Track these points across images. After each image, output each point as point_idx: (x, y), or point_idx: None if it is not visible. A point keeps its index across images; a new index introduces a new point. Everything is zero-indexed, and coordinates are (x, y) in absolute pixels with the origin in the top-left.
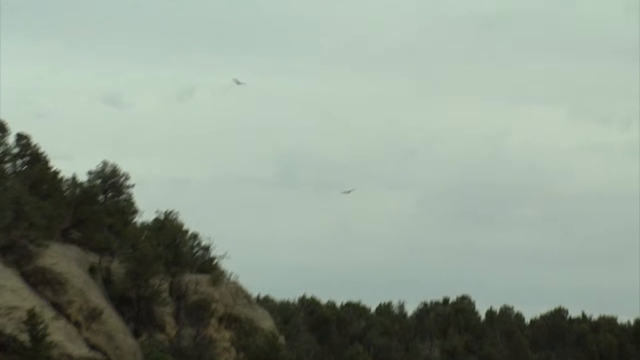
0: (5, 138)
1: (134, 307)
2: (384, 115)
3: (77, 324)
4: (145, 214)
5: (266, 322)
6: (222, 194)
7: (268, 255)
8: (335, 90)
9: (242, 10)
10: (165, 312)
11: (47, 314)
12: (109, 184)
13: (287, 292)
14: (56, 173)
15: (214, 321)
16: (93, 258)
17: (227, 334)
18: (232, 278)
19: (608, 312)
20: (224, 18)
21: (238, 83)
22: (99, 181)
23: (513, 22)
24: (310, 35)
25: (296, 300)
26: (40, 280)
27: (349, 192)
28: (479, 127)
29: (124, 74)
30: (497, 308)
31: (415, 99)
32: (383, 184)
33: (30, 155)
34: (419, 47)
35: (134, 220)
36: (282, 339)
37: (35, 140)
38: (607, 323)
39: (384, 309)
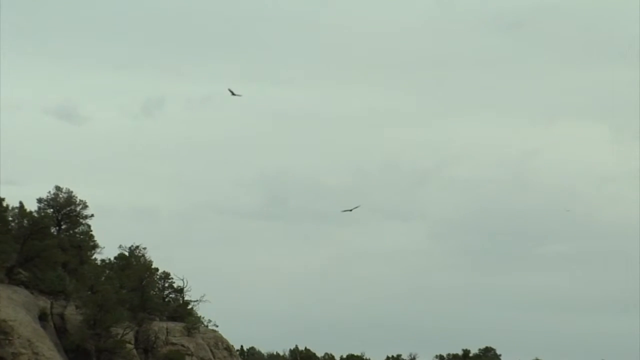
0: None
1: None
2: (389, 133)
3: None
4: (107, 249)
5: None
6: (198, 227)
7: (253, 299)
8: (331, 104)
9: (221, 13)
10: None
11: None
12: (63, 214)
13: (276, 343)
14: None
15: None
16: (44, 302)
17: None
18: (211, 326)
19: None
20: (200, 21)
21: (233, 94)
22: (50, 211)
23: (542, 20)
24: (301, 41)
25: (287, 353)
26: None
27: (351, 210)
28: (501, 147)
29: (80, 82)
30: None
31: (425, 115)
32: (387, 215)
33: None
34: (429, 54)
35: (93, 257)
36: None
37: None
38: None
39: None
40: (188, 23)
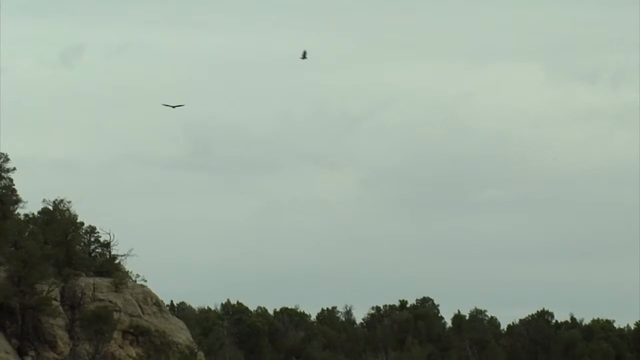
0: None
1: (18, 320)
2: (316, 78)
3: None
4: (30, 204)
5: (182, 335)
6: (121, 179)
7: (181, 253)
8: (255, 48)
9: None
10: (57, 325)
11: None
12: None
13: (206, 297)
14: None
15: (116, 335)
16: None
17: (133, 351)
18: (139, 281)
19: (602, 315)
20: None
21: (174, 107)
22: None
23: None
24: None
25: (218, 307)
26: None
27: (173, 107)
28: (433, 90)
29: None
30: (465, 312)
31: (354, 58)
32: (317, 162)
33: None
34: None
35: (16, 212)
36: (201, 355)
37: None
38: (602, 328)
39: (327, 317)
40: None
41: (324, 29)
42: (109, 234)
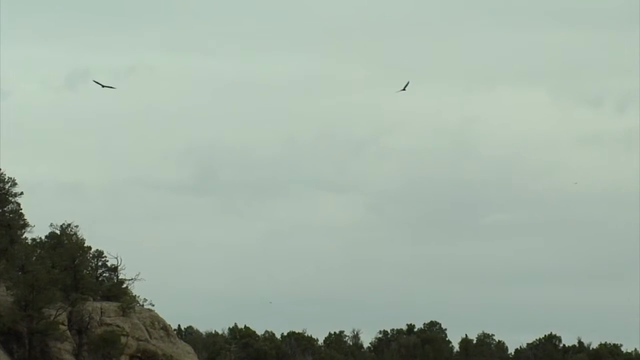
0: None
1: (25, 344)
2: (323, 102)
3: None
4: (37, 228)
5: (189, 359)
6: (127, 203)
7: (188, 277)
8: (262, 71)
9: None
10: (64, 350)
11: None
12: None
13: (214, 321)
14: None
15: (124, 359)
16: None
17: None
18: (146, 306)
19: (610, 339)
20: None
21: (102, 86)
22: None
23: None
24: (229, 8)
25: (226, 332)
26: None
27: (103, 86)
28: (439, 114)
29: (3, 54)
30: (473, 336)
31: (360, 82)
32: (323, 186)
33: None
34: (363, 20)
35: (23, 236)
36: None
37: None
38: (609, 352)
39: (335, 340)
40: None
41: (329, 52)
42: (116, 258)
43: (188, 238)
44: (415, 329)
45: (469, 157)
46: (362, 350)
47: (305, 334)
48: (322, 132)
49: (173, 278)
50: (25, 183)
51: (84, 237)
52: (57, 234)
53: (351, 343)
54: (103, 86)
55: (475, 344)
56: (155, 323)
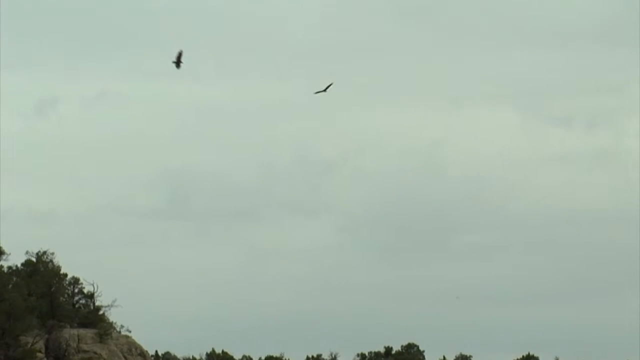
0: None
1: None
2: (293, 125)
3: None
4: (12, 256)
5: None
6: (101, 229)
7: (164, 302)
8: (233, 96)
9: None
10: None
11: None
12: None
13: (191, 346)
14: None
15: None
16: None
17: None
18: (123, 332)
19: (588, 359)
20: (91, 14)
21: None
22: None
23: (446, 5)
24: (199, 33)
25: (203, 357)
26: None
27: (325, 90)
28: (409, 135)
29: None
30: (451, 358)
31: (327, 105)
32: (295, 210)
33: None
34: (328, 42)
35: None
36: None
37: None
38: None
39: None
40: (77, 18)
41: (298, 75)
42: (92, 284)
43: (164, 264)
44: (393, 351)
45: (438, 178)
46: None
47: (283, 358)
48: (294, 156)
49: (149, 304)
50: None
51: (60, 265)
52: (33, 261)
53: None
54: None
55: None
56: (133, 349)
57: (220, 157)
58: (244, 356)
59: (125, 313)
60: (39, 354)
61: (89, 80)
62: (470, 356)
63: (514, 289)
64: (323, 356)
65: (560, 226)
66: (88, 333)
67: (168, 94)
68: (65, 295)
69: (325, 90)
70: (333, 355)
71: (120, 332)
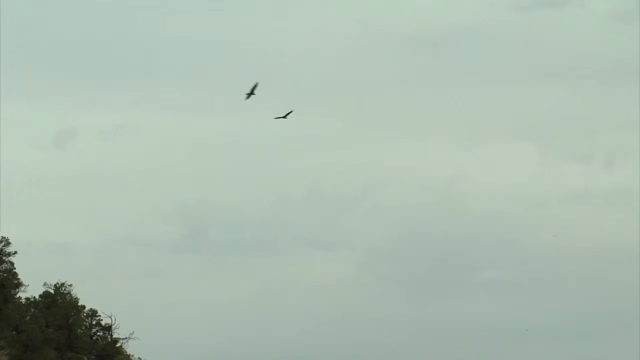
0: None
1: None
2: (311, 159)
3: None
4: (30, 287)
5: None
6: (117, 262)
7: (179, 335)
8: (250, 130)
9: (130, 36)
10: None
11: None
12: None
13: None
14: None
15: None
16: None
17: None
18: None
19: None
20: (109, 47)
21: (250, 93)
22: None
23: (463, 41)
24: (216, 66)
25: None
26: None
27: (284, 116)
28: (427, 170)
29: None
30: None
31: (346, 140)
32: (312, 244)
33: None
34: (347, 77)
35: (17, 295)
36: None
37: None
38: None
39: None
40: (95, 52)
41: (318, 110)
42: (110, 317)
43: (180, 296)
44: None
45: (457, 214)
46: None
47: None
48: (310, 190)
49: (165, 336)
50: (14, 243)
51: (78, 296)
52: (51, 292)
53: None
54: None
55: None
56: None
57: (234, 191)
58: None
59: (143, 345)
60: None
61: (108, 112)
62: None
63: (533, 324)
64: None
65: (579, 263)
66: None
67: (185, 126)
68: (83, 327)
69: (285, 117)
70: None
71: None
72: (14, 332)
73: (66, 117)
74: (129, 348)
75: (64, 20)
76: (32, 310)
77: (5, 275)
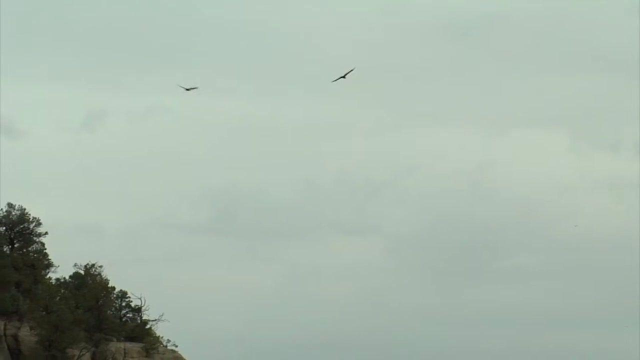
0: None
1: None
2: (341, 145)
3: None
4: (60, 268)
5: None
6: (145, 244)
7: (209, 318)
8: (280, 115)
9: (161, 18)
10: None
11: None
12: (16, 232)
13: None
14: None
15: None
16: None
17: None
18: (170, 346)
19: None
20: (137, 31)
21: (188, 89)
22: (3, 229)
23: (494, 29)
24: (245, 50)
25: None
26: None
27: (189, 89)
28: (456, 157)
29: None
30: None
31: (377, 126)
32: (341, 229)
33: None
34: (379, 64)
35: (47, 276)
36: None
37: None
38: None
39: None
40: (124, 33)
41: (346, 96)
42: (140, 298)
43: (209, 280)
44: None
45: (487, 200)
46: None
47: None
48: (339, 175)
49: (195, 319)
50: (45, 223)
51: (108, 278)
52: (81, 274)
53: None
54: (188, 89)
55: None
56: None
57: (263, 175)
58: None
59: (172, 328)
60: None
61: (138, 95)
62: None
63: (559, 313)
64: None
65: (607, 251)
66: (135, 347)
67: (216, 111)
68: (113, 309)
69: (344, 77)
70: None
71: (166, 346)
72: (44, 313)
73: (96, 99)
74: (159, 330)
75: (95, 1)
76: (62, 291)
77: (35, 255)
